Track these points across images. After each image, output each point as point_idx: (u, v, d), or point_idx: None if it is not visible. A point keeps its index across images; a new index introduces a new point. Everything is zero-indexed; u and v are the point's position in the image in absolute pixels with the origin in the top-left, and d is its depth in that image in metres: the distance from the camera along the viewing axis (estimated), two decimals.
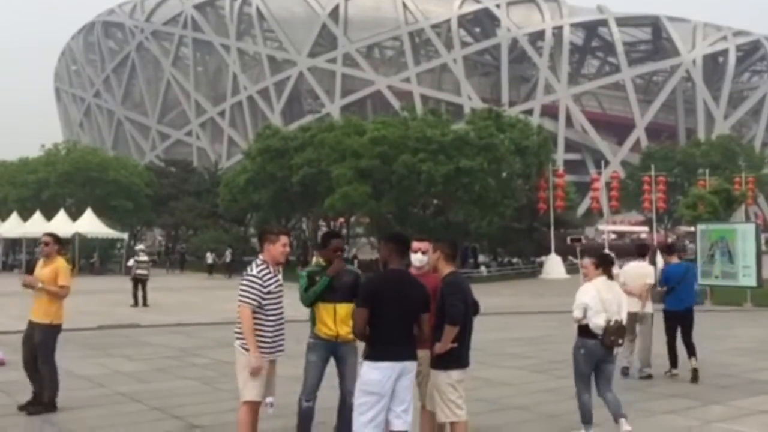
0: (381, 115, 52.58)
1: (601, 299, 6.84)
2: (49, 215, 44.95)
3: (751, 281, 21.11)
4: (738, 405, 8.51)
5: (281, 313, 5.98)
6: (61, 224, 43.89)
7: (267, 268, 5.91)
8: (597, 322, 6.78)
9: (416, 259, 5.86)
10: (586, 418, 6.87)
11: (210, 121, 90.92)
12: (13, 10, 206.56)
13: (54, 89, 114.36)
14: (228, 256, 42.91)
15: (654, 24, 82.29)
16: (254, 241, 49.97)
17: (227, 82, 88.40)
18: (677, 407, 8.36)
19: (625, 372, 10.07)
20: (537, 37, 79.54)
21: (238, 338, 5.88)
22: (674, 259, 10.81)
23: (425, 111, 44.78)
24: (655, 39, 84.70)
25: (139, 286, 22.40)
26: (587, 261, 7.23)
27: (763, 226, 31.14)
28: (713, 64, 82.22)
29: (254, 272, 5.86)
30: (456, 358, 5.64)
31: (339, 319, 6.11)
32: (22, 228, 43.13)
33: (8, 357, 10.70)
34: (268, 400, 5.87)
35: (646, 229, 57.31)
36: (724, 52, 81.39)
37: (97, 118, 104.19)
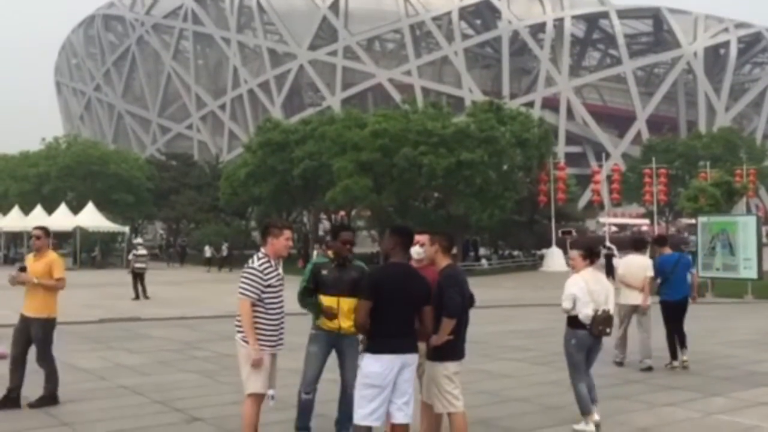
0: (382, 108, 52.48)
1: (589, 290, 6.99)
2: (50, 209, 45.01)
3: (752, 273, 21.12)
4: (739, 396, 8.52)
5: (282, 307, 5.99)
6: (63, 218, 44.00)
7: (268, 261, 5.92)
8: (586, 312, 6.93)
9: (415, 251, 5.87)
10: (586, 409, 6.93)
11: (211, 115, 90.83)
12: (13, 9, 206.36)
13: (54, 83, 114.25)
14: (225, 250, 42.95)
15: (655, 16, 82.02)
16: (255, 234, 50.09)
17: (228, 75, 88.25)
18: (678, 399, 8.37)
19: (619, 366, 10.25)
20: (538, 29, 79.32)
21: (238, 331, 5.88)
22: (666, 251, 10.86)
23: (426, 104, 44.68)
24: (657, 31, 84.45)
25: (138, 280, 22.53)
26: (575, 253, 7.37)
27: (764, 219, 31.16)
28: (714, 56, 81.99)
29: (255, 265, 5.86)
30: (452, 350, 5.68)
31: (342, 312, 6.11)
32: (24, 222, 43.17)
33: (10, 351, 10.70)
34: (269, 392, 5.89)
35: (647, 221, 57.28)
36: (726, 44, 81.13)
37: (97, 112, 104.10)
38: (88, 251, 46.12)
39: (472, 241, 44.81)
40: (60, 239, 46.84)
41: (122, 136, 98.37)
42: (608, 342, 10.30)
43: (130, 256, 24.09)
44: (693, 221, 33.50)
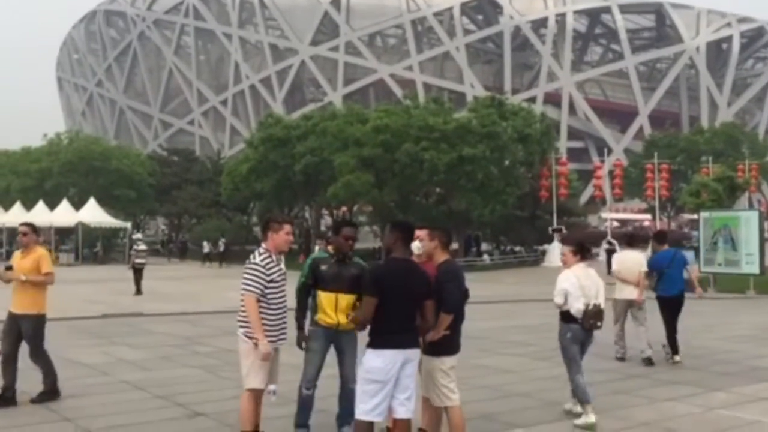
0: (383, 103, 52.41)
1: (581, 285, 7.19)
2: (52, 205, 45.06)
3: (754, 269, 21.13)
4: (740, 392, 8.51)
5: (284, 302, 5.99)
6: (65, 214, 44.08)
7: (270, 256, 5.91)
8: (577, 306, 7.13)
9: (415, 247, 5.88)
10: (585, 398, 7.03)
11: (212, 110, 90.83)
12: (14, 9, 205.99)
13: (56, 78, 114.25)
14: (221, 245, 43.00)
15: (657, 11, 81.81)
16: (257, 230, 50.12)
17: (229, 70, 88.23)
18: (679, 394, 8.38)
19: (620, 361, 10.31)
20: (540, 24, 79.18)
21: (241, 326, 5.88)
22: (665, 248, 10.99)
23: (428, 99, 44.70)
24: (659, 26, 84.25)
25: (138, 275, 22.63)
26: (566, 249, 7.59)
27: (767, 214, 31.08)
28: (717, 50, 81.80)
29: (257, 260, 5.86)
30: (448, 345, 5.71)
31: (340, 308, 6.11)
32: (26, 218, 43.21)
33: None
34: (271, 387, 5.89)
35: (649, 216, 57.22)
36: (728, 39, 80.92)
37: (99, 108, 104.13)
38: (90, 247, 46.19)
39: (474, 237, 44.83)
40: (62, 235, 46.93)
41: (124, 131, 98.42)
42: (608, 338, 10.41)
43: (132, 252, 24.18)
44: (695, 216, 33.52)
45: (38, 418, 7.34)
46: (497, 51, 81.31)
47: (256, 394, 5.85)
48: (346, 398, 6.27)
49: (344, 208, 45.92)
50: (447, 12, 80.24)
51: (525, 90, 76.48)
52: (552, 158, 41.17)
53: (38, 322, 7.84)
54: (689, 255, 15.00)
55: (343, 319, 6.10)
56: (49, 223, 44.21)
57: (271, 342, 5.84)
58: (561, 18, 78.79)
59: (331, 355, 6.37)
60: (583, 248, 7.55)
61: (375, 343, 5.21)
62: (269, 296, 5.84)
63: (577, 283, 7.18)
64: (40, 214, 44.02)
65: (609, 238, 35.09)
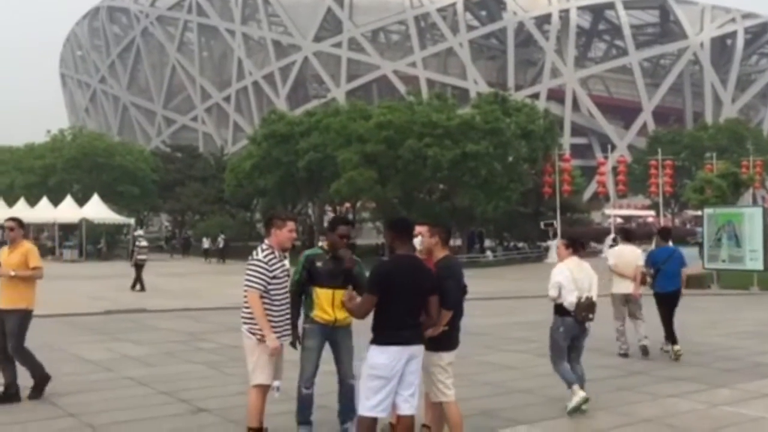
0: (387, 99, 52.37)
1: (574, 278, 7.35)
2: (56, 201, 45.15)
3: (758, 265, 21.09)
4: (744, 388, 8.52)
5: (287, 298, 6.00)
6: (68, 210, 44.16)
7: (272, 253, 5.92)
8: (570, 299, 7.27)
9: (416, 242, 5.89)
10: (571, 380, 7.27)
11: (215, 107, 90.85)
12: (16, 9, 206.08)
13: (59, 75, 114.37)
14: (221, 241, 43.05)
15: (661, 6, 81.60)
16: (260, 226, 50.19)
17: (232, 67, 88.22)
18: (682, 390, 8.37)
19: (624, 357, 10.37)
20: (543, 20, 79.03)
21: (245, 323, 5.90)
22: (669, 244, 11.12)
23: (431, 95, 44.61)
24: (663, 22, 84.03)
25: (139, 271, 22.76)
26: (559, 243, 7.87)
27: None
28: (721, 46, 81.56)
29: (260, 257, 5.87)
30: (447, 341, 5.74)
31: (337, 305, 6.12)
32: (30, 214, 43.31)
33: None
34: (275, 384, 5.91)
35: (652, 213, 57.14)
36: (732, 35, 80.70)
37: (102, 104, 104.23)
38: (94, 243, 46.26)
39: (478, 233, 44.82)
40: (66, 231, 47.02)
41: (127, 128, 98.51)
42: (609, 334, 10.43)
43: (134, 248, 24.35)
44: (699, 213, 33.46)
45: (43, 414, 7.36)
46: (500, 47, 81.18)
47: (263, 390, 5.88)
48: (346, 395, 6.30)
49: (347, 205, 45.97)
50: (450, 8, 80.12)
51: (528, 86, 76.34)
52: (555, 154, 41.10)
53: (25, 317, 7.77)
54: (692, 253, 15.02)
55: (340, 315, 6.12)
56: (53, 219, 44.33)
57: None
58: (564, 14, 78.64)
59: (327, 352, 6.38)
60: (575, 242, 7.78)
61: (380, 340, 5.20)
62: (272, 292, 5.85)
63: (570, 276, 7.34)
64: (44, 211, 44.15)
65: (613, 234, 35.02)
